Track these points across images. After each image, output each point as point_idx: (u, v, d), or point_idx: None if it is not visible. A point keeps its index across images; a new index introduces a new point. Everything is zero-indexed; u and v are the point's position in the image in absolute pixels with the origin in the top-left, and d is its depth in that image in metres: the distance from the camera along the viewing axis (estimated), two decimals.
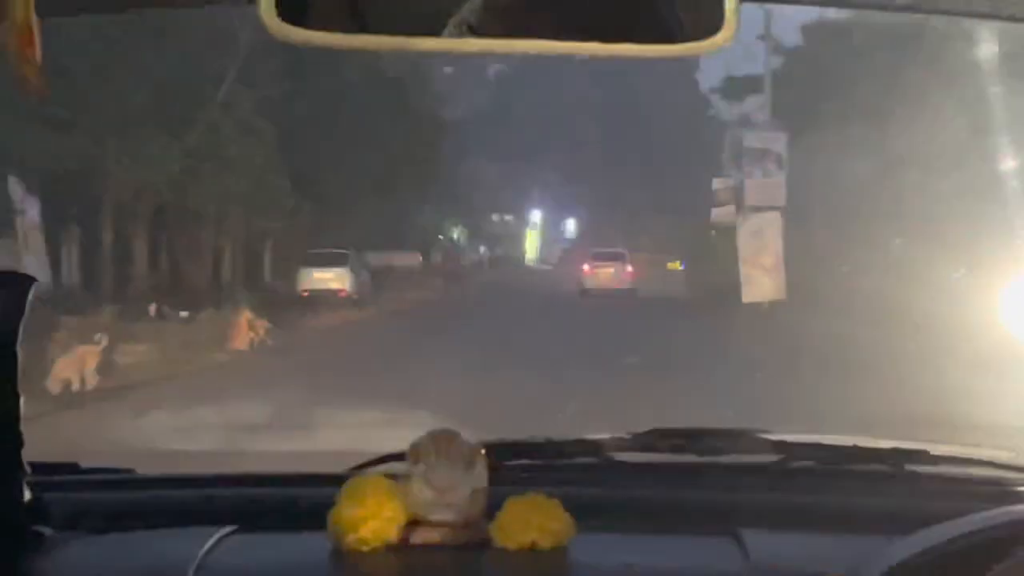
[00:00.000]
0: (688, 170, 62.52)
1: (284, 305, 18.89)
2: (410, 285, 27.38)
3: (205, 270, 19.77)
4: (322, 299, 21.02)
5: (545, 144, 54.40)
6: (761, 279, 17.88)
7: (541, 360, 11.73)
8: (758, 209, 19.49)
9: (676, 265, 37.22)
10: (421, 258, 35.08)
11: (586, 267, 30.20)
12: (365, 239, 29.60)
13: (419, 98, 27.15)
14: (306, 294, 21.78)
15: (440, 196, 38.33)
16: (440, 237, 43.47)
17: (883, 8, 1.20)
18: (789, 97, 21.71)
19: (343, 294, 22.09)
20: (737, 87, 32.29)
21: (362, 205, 26.33)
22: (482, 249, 47.30)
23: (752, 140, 20.64)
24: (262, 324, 14.45)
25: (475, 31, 0.90)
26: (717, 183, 32.28)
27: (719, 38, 0.93)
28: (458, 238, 45.65)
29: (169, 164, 16.32)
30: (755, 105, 27.80)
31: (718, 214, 31.03)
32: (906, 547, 1.03)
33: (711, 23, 0.93)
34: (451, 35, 0.90)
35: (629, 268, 30.61)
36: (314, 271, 22.45)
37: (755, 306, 17.22)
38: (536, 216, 56.67)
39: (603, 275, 29.45)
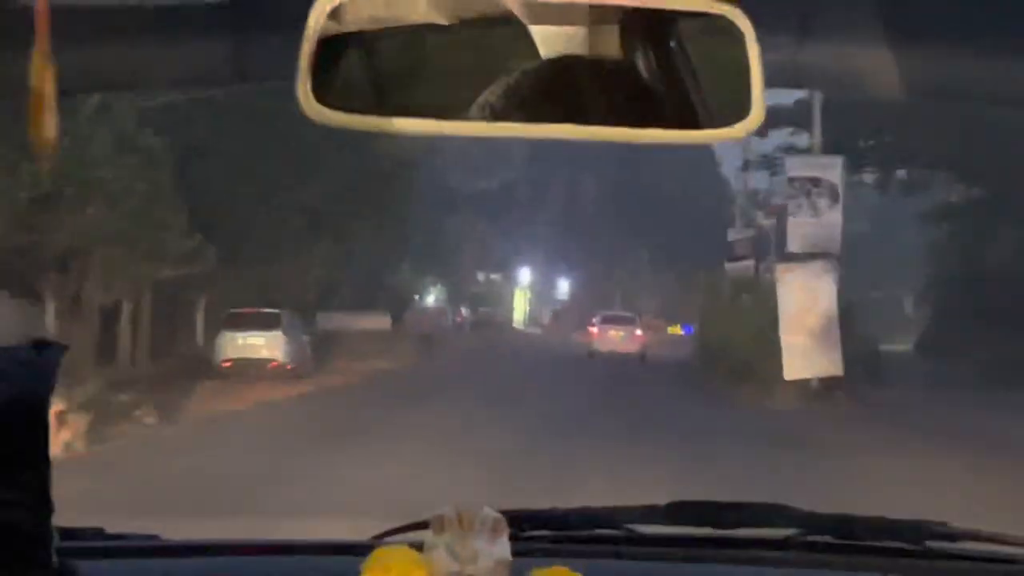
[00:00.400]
0: (696, 223, 61.17)
1: (196, 379, 16.07)
2: (372, 352, 23.99)
3: (87, 333, 15.03)
4: (249, 371, 17.93)
5: (537, 196, 51.38)
6: (809, 348, 13.89)
7: (526, 468, 8.87)
8: (803, 257, 16.90)
9: (676, 329, 37.51)
10: (391, 320, 32.32)
11: (595, 330, 31.69)
12: (328, 298, 28.14)
13: (388, 137, 24.51)
14: (228, 364, 18.27)
15: (417, 251, 37.29)
16: (416, 297, 41.21)
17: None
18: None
19: (274, 365, 18.87)
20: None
21: (314, 256, 23.43)
22: (464, 311, 45.16)
23: (798, 167, 17.59)
24: (80, 421, 9.71)
25: (498, 115, 0.93)
26: (733, 234, 29.48)
27: (747, 123, 0.93)
28: (437, 298, 43.29)
29: (14, 191, 12.42)
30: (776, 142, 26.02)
31: (734, 269, 27.94)
32: None
33: (738, 109, 0.93)
34: (475, 118, 0.94)
35: (639, 332, 31.69)
36: (239, 335, 18.70)
37: (799, 384, 14.66)
38: (525, 275, 54.45)
39: (613, 338, 30.79)
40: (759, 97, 0.90)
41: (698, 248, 63.10)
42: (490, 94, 0.93)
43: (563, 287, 58.36)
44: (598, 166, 52.79)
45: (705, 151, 62.03)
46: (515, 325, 50.18)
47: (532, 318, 53.57)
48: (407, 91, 0.98)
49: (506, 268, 52.22)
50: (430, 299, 41.91)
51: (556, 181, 51.62)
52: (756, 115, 0.90)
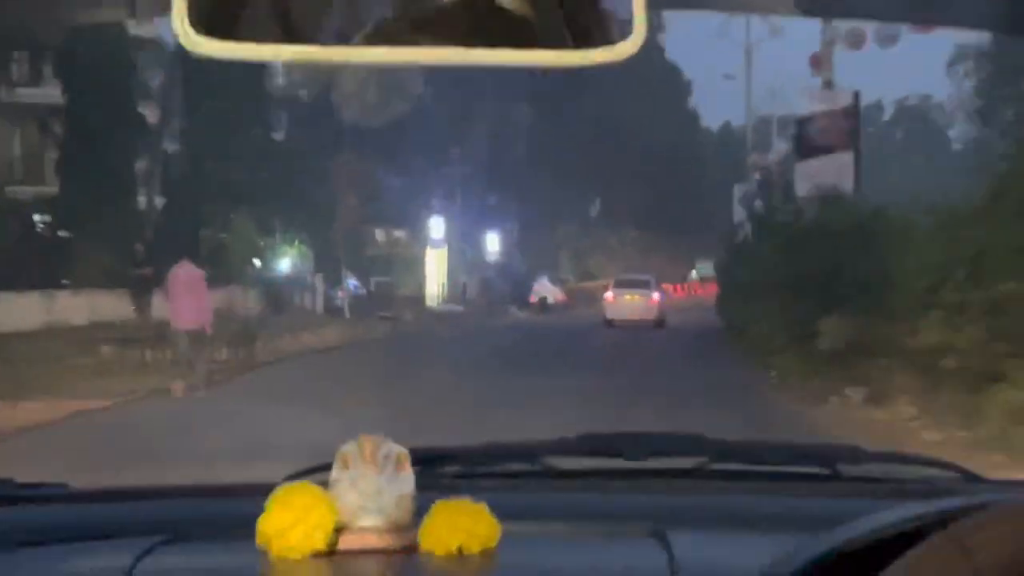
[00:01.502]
0: (663, 166, 61.83)
1: None
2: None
3: None
4: None
5: (456, 131, 49.65)
6: None
7: None
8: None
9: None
10: (134, 306, 30.02)
11: (609, 295, 37.48)
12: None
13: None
14: None
15: (269, 200, 36.20)
16: (256, 262, 38.42)
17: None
18: None
19: None
20: None
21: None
22: (351, 283, 42.18)
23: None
24: None
25: (383, 40, 1.14)
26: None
27: (628, 45, 1.12)
28: (295, 264, 40.22)
29: None
30: None
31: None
32: (826, 541, 1.30)
33: (618, 29, 1.13)
34: (363, 44, 1.14)
35: (655, 296, 37.18)
36: None
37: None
38: (440, 229, 50.68)
39: (628, 304, 36.15)
40: (641, 18, 1.12)
41: (668, 197, 63.89)
42: (377, 18, 1.15)
43: (492, 246, 56.62)
44: (535, 94, 52.41)
45: (675, 77, 62.59)
46: (428, 303, 47.22)
47: (451, 290, 51.02)
48: (290, 16, 1.17)
49: (414, 222, 49.33)
50: (283, 265, 39.32)
51: (480, 112, 50.72)
52: (637, 37, 1.13)
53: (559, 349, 25.25)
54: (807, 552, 1.30)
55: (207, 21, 1.13)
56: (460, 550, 1.51)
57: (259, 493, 1.56)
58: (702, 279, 76.25)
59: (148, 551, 1.55)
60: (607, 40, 1.15)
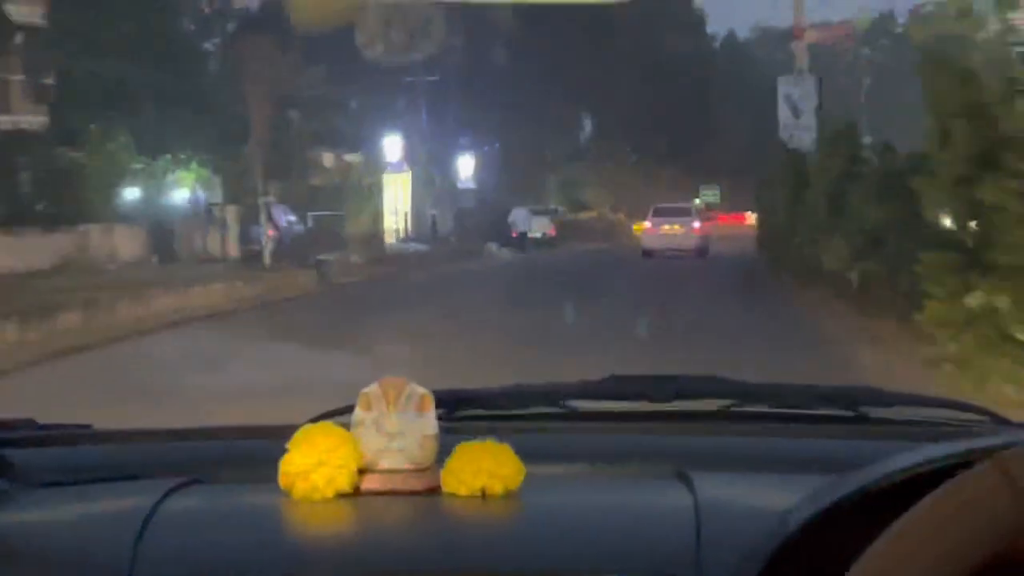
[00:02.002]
0: (665, 85, 61.26)
1: None
2: None
3: None
4: None
5: (418, 24, 48.42)
6: None
7: None
8: None
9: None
10: None
11: (647, 224, 41.79)
12: None
13: None
14: None
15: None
16: (132, 191, 32.96)
17: None
18: None
19: None
20: None
21: None
22: (284, 219, 36.95)
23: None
24: None
25: None
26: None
27: None
28: (202, 195, 35.24)
29: None
30: None
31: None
32: (855, 480, 1.47)
33: None
34: None
35: (696, 224, 41.06)
36: None
37: None
38: (397, 150, 47.25)
39: (667, 234, 40.14)
40: None
41: (671, 115, 63.60)
42: None
43: (466, 171, 54.63)
44: None
45: None
46: (388, 239, 44.77)
47: (415, 225, 48.98)
48: None
49: (371, 144, 45.99)
50: (179, 196, 34.53)
51: (452, 11, 49.66)
52: None
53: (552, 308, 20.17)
54: (830, 494, 1.47)
55: None
56: (483, 491, 1.71)
57: (282, 435, 1.76)
58: (708, 206, 76.58)
59: (171, 492, 1.75)
60: None
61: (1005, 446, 1.35)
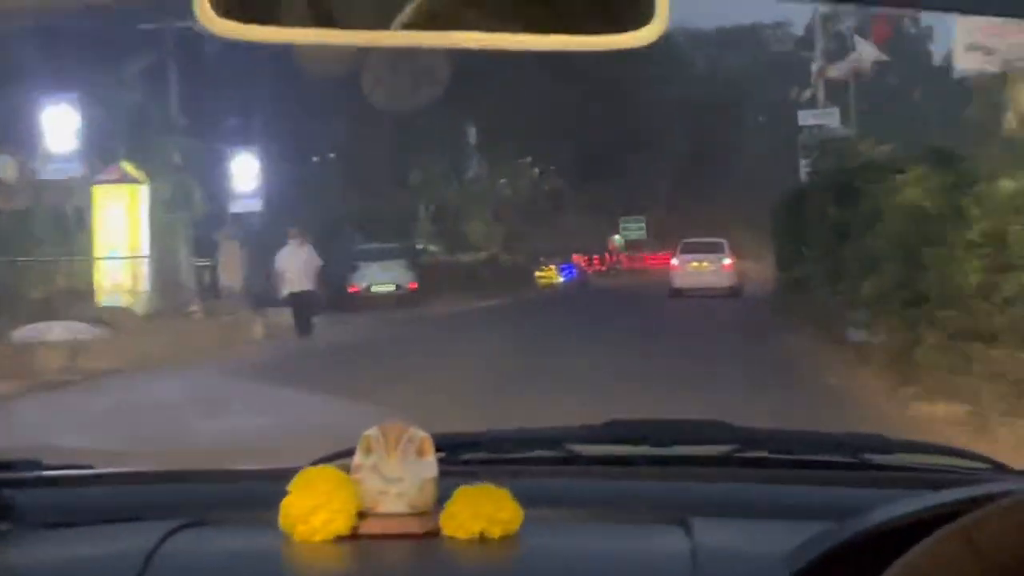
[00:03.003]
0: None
1: None
2: None
3: None
4: None
5: None
6: None
7: None
8: None
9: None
10: None
11: (675, 262, 47.61)
12: None
13: None
14: None
15: None
16: None
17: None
18: None
19: None
20: None
21: None
22: None
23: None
24: None
25: (402, 24, 1.67)
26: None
27: (651, 30, 1.68)
28: None
29: None
30: None
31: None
32: (842, 531, 1.95)
33: (642, 15, 1.69)
34: (379, 28, 1.68)
35: (727, 261, 47.25)
36: None
37: None
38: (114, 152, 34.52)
39: (697, 271, 46.29)
40: (663, 3, 1.69)
41: (590, 123, 62.65)
42: (396, 3, 1.69)
43: (247, 182, 40.48)
44: None
45: None
46: (100, 298, 34.01)
47: (162, 273, 34.93)
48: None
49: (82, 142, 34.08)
50: None
51: None
52: (659, 22, 1.69)
53: None
54: (823, 542, 1.96)
55: (229, 3, 1.66)
56: (482, 535, 2.15)
57: (282, 477, 2.22)
58: (628, 244, 76.42)
59: (171, 533, 2.22)
60: (632, 24, 1.71)
61: (980, 499, 1.75)
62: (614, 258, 74.33)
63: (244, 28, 1.67)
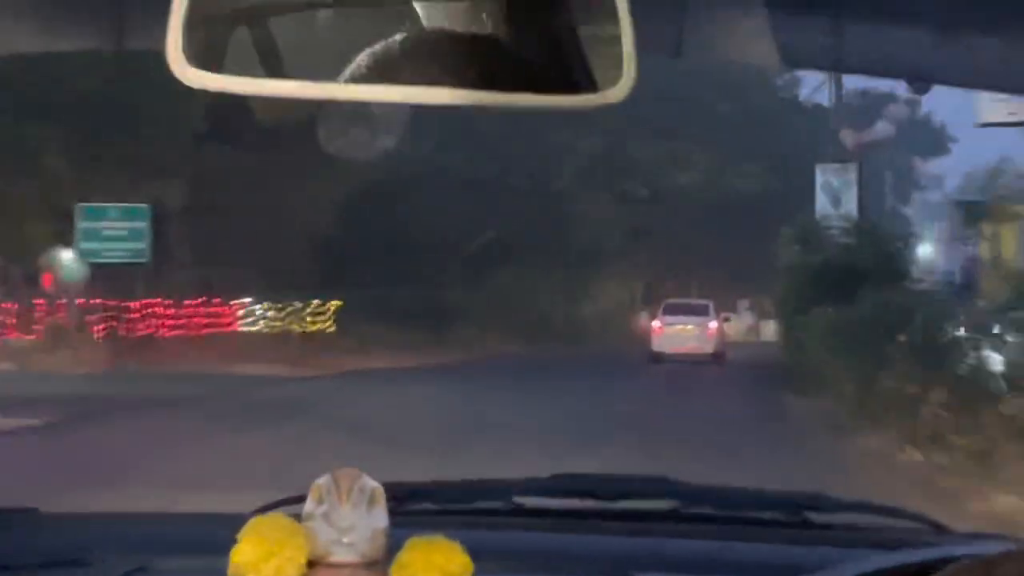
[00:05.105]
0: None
1: None
2: None
3: None
4: None
5: None
6: None
7: None
8: None
9: None
10: None
11: (657, 324, 45.71)
12: None
13: None
14: None
15: None
16: None
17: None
18: None
19: None
20: None
21: None
22: None
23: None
24: None
25: (375, 78, 1.77)
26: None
27: (619, 89, 1.76)
28: None
29: None
30: None
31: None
32: None
33: (611, 75, 1.77)
34: (353, 82, 1.77)
35: (712, 324, 45.53)
36: None
37: None
38: None
39: (680, 335, 44.28)
40: (631, 60, 1.75)
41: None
42: (368, 57, 1.77)
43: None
44: None
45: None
46: None
47: None
48: (284, 53, 1.84)
49: None
50: None
51: None
52: (627, 80, 1.76)
53: None
54: None
55: (201, 55, 1.72)
56: None
57: (230, 523, 2.22)
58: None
59: None
60: (601, 85, 1.78)
61: (927, 564, 1.88)
62: None
63: (214, 79, 1.72)
